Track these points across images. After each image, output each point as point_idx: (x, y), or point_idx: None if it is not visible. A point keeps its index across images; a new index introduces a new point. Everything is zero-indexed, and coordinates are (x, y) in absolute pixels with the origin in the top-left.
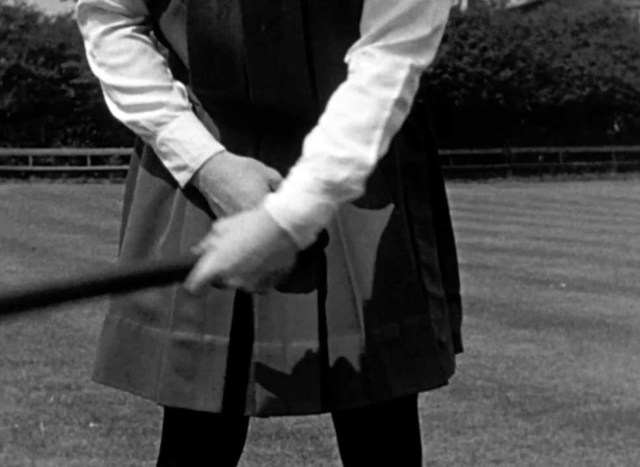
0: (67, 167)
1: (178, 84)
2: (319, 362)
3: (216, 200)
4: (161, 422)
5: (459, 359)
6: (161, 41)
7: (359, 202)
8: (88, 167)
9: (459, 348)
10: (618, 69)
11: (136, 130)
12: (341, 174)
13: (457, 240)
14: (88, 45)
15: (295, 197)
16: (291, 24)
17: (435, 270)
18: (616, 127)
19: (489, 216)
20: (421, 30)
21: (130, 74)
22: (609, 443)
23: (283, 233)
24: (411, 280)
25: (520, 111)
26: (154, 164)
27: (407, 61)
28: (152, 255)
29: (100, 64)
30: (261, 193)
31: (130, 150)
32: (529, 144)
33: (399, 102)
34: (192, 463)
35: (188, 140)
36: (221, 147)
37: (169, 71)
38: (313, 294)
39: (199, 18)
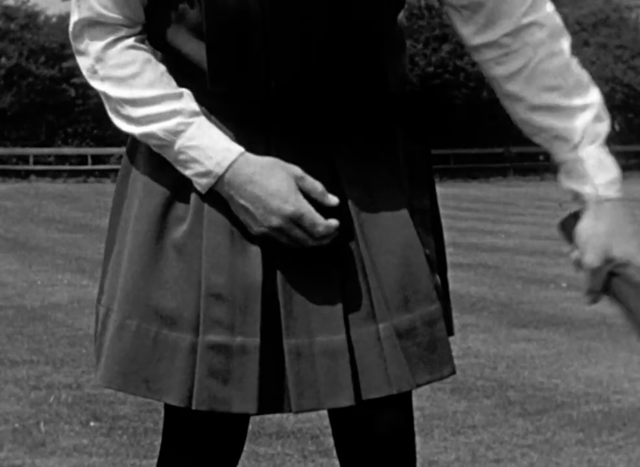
0: (67, 167)
1: (185, 90)
2: (348, 355)
3: (242, 202)
4: (161, 421)
5: (459, 359)
6: (159, 48)
7: (371, 195)
8: (89, 167)
9: (450, 332)
10: (618, 68)
11: (150, 141)
12: (605, 123)
13: (457, 239)
14: (87, 61)
15: (606, 171)
16: (316, 11)
17: (433, 259)
18: (616, 126)
19: (489, 216)
20: None
21: (139, 85)
22: (610, 443)
23: (620, 197)
24: (422, 271)
25: None
26: (158, 169)
27: (549, 5)
28: (165, 257)
29: (105, 78)
30: (290, 191)
31: None
32: (530, 143)
33: None
34: (193, 463)
35: (209, 145)
36: (241, 148)
37: (172, 78)
38: (337, 287)
39: (217, 9)
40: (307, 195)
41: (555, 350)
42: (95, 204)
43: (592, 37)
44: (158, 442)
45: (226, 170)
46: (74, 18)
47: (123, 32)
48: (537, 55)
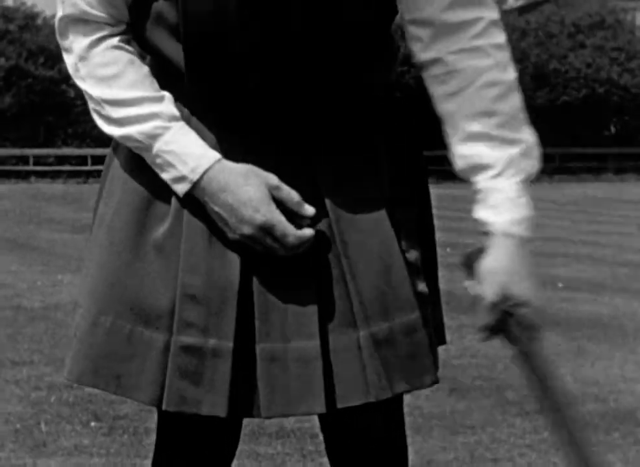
0: (67, 167)
1: (167, 93)
2: (321, 362)
3: (216, 209)
4: None
5: (457, 359)
6: (143, 49)
7: (350, 202)
8: (89, 167)
9: (442, 340)
10: (614, 70)
11: (129, 144)
12: (533, 164)
13: (454, 240)
14: (71, 58)
15: (518, 208)
16: (295, 9)
17: (417, 267)
18: (612, 129)
19: None
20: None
21: (120, 85)
22: (606, 443)
23: (528, 240)
24: (402, 280)
25: None
26: (140, 167)
27: (502, 36)
28: (144, 256)
29: (87, 77)
30: (262, 200)
31: None
32: None
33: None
34: (186, 463)
35: (185, 151)
36: (218, 155)
37: (155, 80)
38: (313, 294)
39: (195, 6)
40: (283, 204)
41: (551, 350)
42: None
43: (589, 39)
44: None
45: (201, 177)
46: (59, 14)
47: (106, 31)
48: (478, 80)
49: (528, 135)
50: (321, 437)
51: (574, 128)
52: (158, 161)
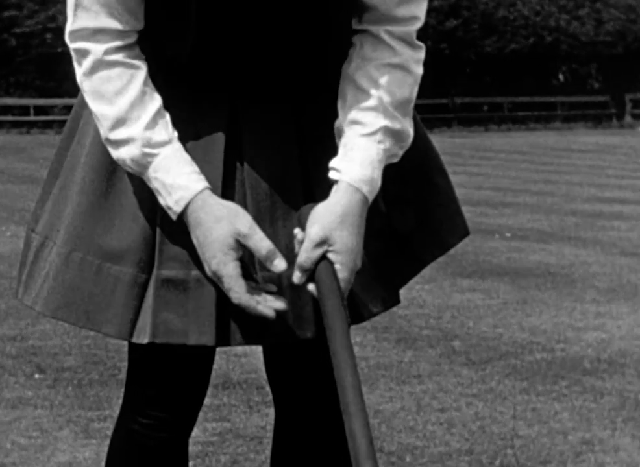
0: (9, 118)
1: (161, 113)
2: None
3: (194, 238)
4: (106, 373)
5: (404, 309)
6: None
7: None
8: (31, 118)
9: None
10: (563, 18)
11: (125, 167)
12: (399, 152)
13: None
14: (80, 69)
15: (373, 171)
16: None
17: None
18: (561, 77)
19: None
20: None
21: (118, 104)
22: (553, 392)
23: (367, 203)
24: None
25: (465, 61)
26: None
27: (420, 44)
28: (114, 195)
29: (89, 91)
30: (221, 249)
31: (74, 101)
32: (474, 94)
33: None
34: (159, 405)
35: (169, 182)
36: (200, 187)
37: (155, 99)
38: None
39: None
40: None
41: (499, 300)
42: (39, 155)
43: None
44: (103, 393)
45: (183, 210)
46: (74, 24)
47: (118, 42)
48: (395, 59)
49: (409, 126)
50: (267, 388)
51: (522, 76)
52: (151, 185)
